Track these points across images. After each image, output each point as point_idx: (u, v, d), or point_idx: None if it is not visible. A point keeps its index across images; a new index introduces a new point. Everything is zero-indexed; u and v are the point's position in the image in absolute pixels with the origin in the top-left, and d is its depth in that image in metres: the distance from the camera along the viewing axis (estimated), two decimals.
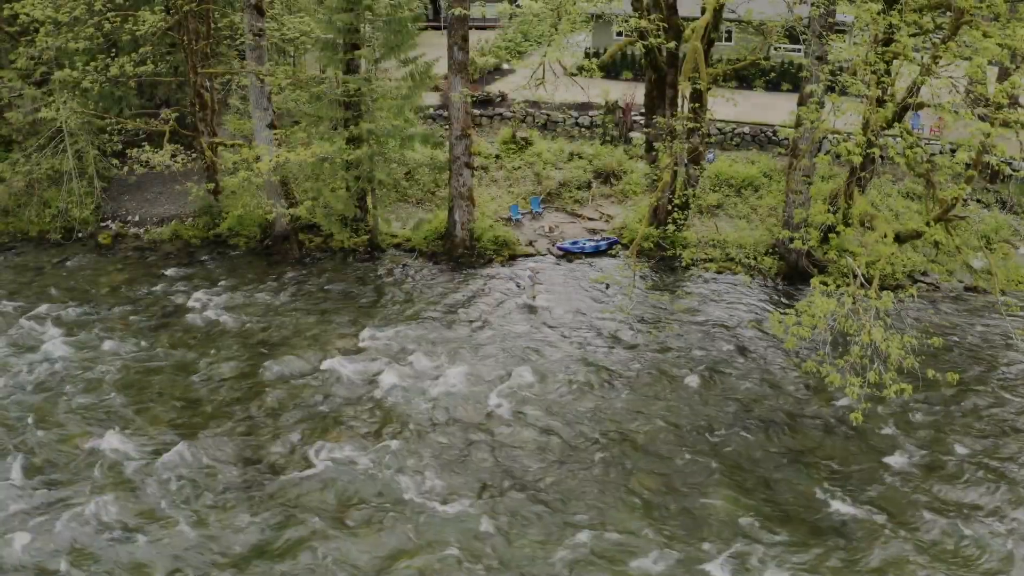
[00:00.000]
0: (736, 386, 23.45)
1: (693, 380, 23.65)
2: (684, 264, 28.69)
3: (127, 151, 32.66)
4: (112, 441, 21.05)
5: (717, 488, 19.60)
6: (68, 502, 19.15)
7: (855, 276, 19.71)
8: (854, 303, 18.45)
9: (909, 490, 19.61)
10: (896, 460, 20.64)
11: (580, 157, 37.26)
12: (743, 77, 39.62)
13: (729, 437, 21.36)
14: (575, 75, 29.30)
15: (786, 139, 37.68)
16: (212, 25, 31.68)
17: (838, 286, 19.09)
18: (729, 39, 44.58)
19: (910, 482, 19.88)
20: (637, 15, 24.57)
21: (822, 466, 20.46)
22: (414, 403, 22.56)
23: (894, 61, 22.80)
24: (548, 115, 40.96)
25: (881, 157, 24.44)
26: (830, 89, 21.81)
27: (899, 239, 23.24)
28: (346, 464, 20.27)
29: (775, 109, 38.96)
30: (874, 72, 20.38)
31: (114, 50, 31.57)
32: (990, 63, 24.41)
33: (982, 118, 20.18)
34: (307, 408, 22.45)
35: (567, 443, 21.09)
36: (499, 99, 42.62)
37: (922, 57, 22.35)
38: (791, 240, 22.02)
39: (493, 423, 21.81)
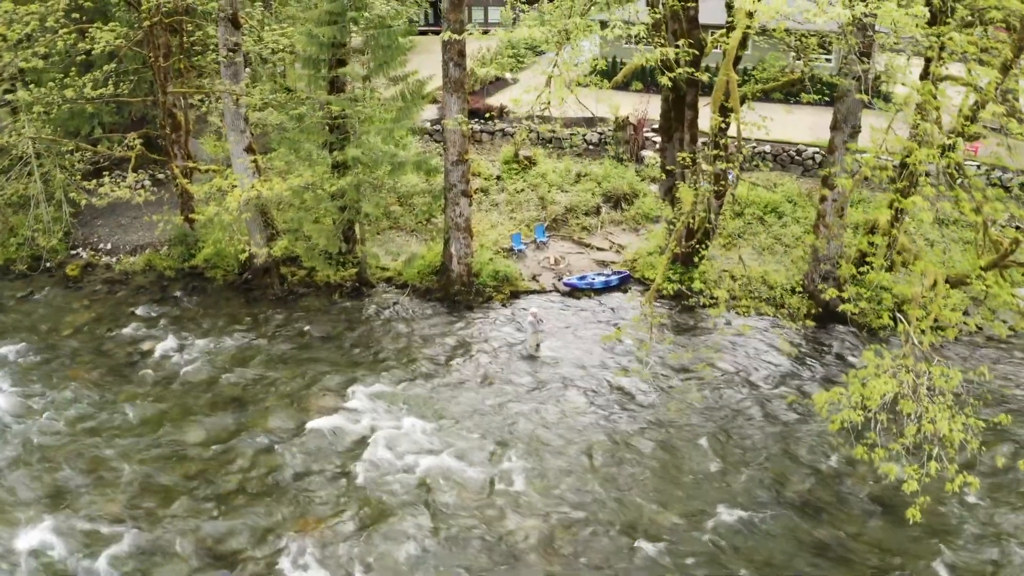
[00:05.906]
0: (765, 460, 20.61)
1: (717, 453, 20.79)
2: (703, 305, 25.96)
3: (85, 179, 30.09)
4: (50, 524, 18.37)
5: None
6: None
7: (908, 339, 17.12)
8: (916, 381, 15.72)
9: None
10: (954, 551, 17.85)
11: (588, 178, 34.45)
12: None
13: (759, 524, 18.54)
14: (583, 86, 26.39)
15: (811, 160, 34.95)
16: (184, 39, 28.84)
17: (893, 356, 16.39)
18: (744, 44, 41.57)
19: None
20: (660, 40, 21.67)
21: (866, 560, 17.68)
22: (400, 480, 19.77)
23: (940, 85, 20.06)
24: (553, 131, 37.92)
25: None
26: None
27: (947, 282, 20.68)
28: (320, 561, 17.54)
29: (796, 126, 36.08)
30: (932, 103, 17.65)
31: (86, 66, 28.86)
32: None
33: None
34: (279, 486, 19.69)
35: (575, 532, 18.30)
36: (498, 116, 39.61)
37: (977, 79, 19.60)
38: (840, 301, 19.23)
39: (490, 507, 19.01)
